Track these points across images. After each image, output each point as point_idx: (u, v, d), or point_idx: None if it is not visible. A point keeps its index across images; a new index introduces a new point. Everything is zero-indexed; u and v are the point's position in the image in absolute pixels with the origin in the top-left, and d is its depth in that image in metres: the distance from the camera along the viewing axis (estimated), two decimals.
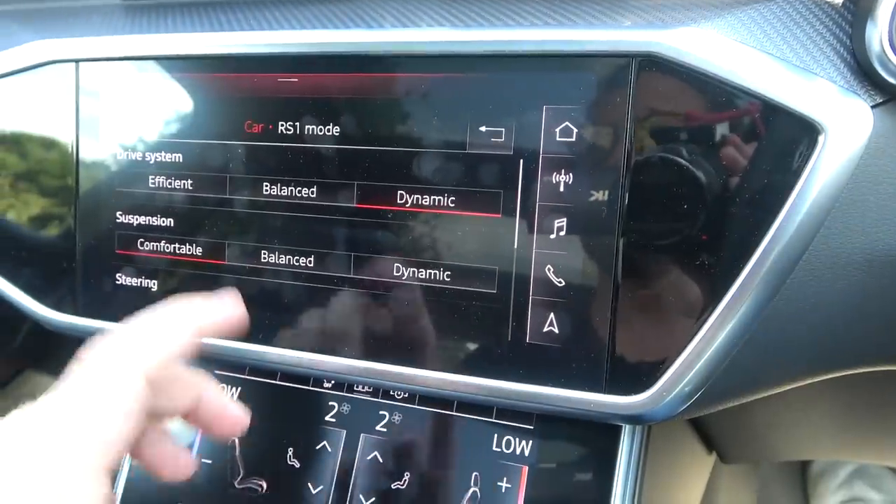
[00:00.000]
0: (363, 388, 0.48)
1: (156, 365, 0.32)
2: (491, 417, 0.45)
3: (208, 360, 0.53)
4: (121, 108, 0.47)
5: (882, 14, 0.33)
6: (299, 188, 0.42)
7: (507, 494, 0.44)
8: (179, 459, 0.35)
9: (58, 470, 0.27)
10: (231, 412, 0.37)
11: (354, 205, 0.41)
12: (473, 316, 0.40)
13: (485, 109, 0.38)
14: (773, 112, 0.34)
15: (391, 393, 0.47)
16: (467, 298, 0.40)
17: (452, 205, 0.39)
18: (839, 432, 0.65)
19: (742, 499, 0.96)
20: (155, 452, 0.35)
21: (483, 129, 0.38)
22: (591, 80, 0.36)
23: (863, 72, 0.35)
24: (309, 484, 0.47)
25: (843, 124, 0.33)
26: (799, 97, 0.33)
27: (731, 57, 0.34)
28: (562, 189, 0.37)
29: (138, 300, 0.47)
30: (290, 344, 0.44)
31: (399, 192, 0.40)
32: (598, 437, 0.43)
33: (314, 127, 0.42)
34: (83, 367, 0.31)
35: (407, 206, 0.40)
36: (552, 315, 0.38)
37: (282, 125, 0.42)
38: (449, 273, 0.40)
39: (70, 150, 0.48)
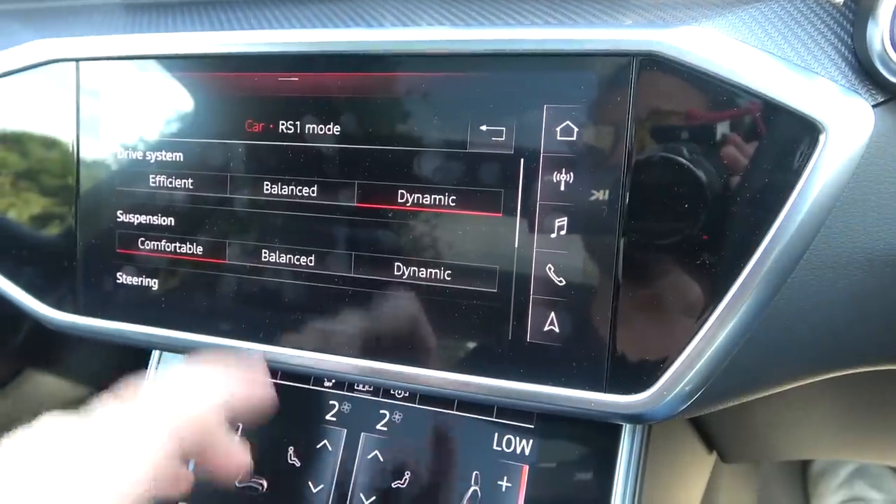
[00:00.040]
0: (364, 387, 0.48)
1: (187, 427, 0.35)
2: (491, 416, 0.45)
3: None
4: (121, 108, 0.47)
5: (883, 13, 0.33)
6: (300, 187, 0.42)
7: (508, 493, 0.44)
8: (180, 480, 0.37)
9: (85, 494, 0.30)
10: (236, 458, 0.38)
11: (355, 204, 0.41)
12: (474, 315, 0.40)
13: (485, 109, 0.38)
14: (774, 111, 0.34)
15: (392, 392, 0.47)
16: (468, 298, 0.40)
17: (453, 204, 0.39)
18: (840, 432, 0.65)
19: (742, 498, 0.96)
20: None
21: (484, 128, 0.38)
22: (591, 80, 0.36)
23: (864, 71, 0.34)
24: (309, 483, 0.47)
25: (845, 123, 0.33)
26: (800, 96, 0.33)
27: (731, 56, 0.34)
28: (562, 188, 0.37)
29: (139, 299, 0.47)
30: (290, 343, 0.44)
31: (400, 191, 0.40)
32: (599, 436, 0.43)
33: (315, 126, 0.42)
34: (121, 410, 0.34)
35: (407, 205, 0.40)
36: (553, 314, 0.38)
37: (282, 124, 0.42)
38: (450, 272, 0.40)
39: (71, 149, 0.48)
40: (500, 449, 0.45)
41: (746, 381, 0.38)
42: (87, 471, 0.31)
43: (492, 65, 0.38)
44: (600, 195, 0.37)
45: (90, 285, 0.48)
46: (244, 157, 0.43)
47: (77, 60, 0.48)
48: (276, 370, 0.49)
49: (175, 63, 0.45)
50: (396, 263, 0.41)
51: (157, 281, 0.47)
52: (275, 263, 0.43)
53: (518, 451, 0.44)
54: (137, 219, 0.47)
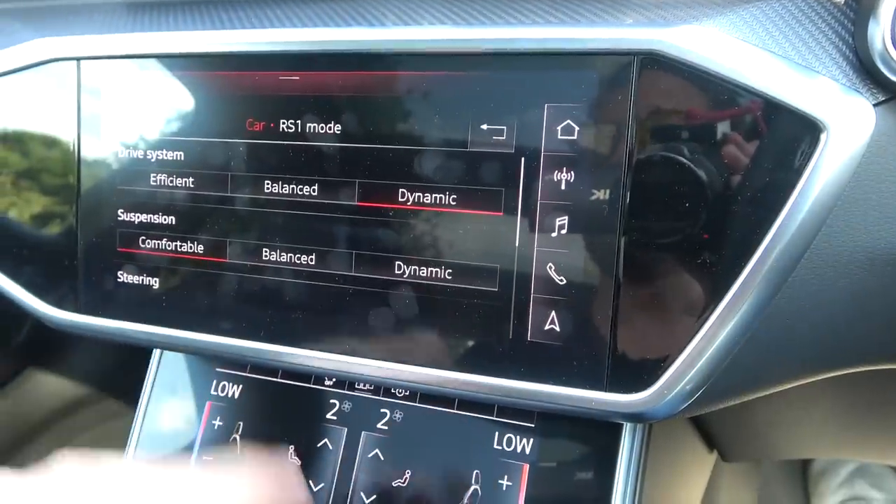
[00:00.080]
0: (364, 385, 0.48)
1: None
2: (492, 415, 0.45)
3: (210, 357, 0.53)
4: (122, 106, 0.47)
5: (884, 12, 0.33)
6: (301, 186, 0.42)
7: (508, 492, 0.44)
8: None
9: None
10: None
11: (356, 203, 0.41)
12: (475, 314, 0.40)
13: (486, 107, 0.38)
14: (775, 110, 0.34)
15: (392, 391, 0.47)
16: (469, 296, 0.40)
17: (454, 203, 0.39)
18: (841, 431, 0.65)
19: (743, 497, 0.96)
20: None
21: (484, 127, 0.38)
22: (592, 78, 0.36)
23: (865, 70, 0.34)
24: (310, 482, 0.47)
25: (846, 122, 0.33)
26: (801, 95, 0.33)
27: (733, 55, 0.34)
28: (563, 187, 0.37)
29: (140, 298, 0.47)
30: (291, 342, 0.44)
31: (400, 190, 0.40)
32: (599, 435, 0.43)
33: (316, 125, 0.42)
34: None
35: (408, 204, 0.40)
36: (553, 313, 0.38)
37: (283, 123, 0.42)
38: (450, 271, 0.40)
39: (72, 148, 0.48)
40: (500, 448, 0.45)
41: (747, 380, 0.38)
42: None
43: (493, 64, 0.38)
44: (601, 194, 0.37)
45: (91, 284, 0.48)
46: (245, 155, 0.43)
47: (78, 59, 0.48)
48: (276, 369, 0.49)
49: (176, 62, 0.45)
50: (397, 262, 0.41)
51: (157, 280, 0.47)
52: (276, 262, 0.43)
53: (518, 449, 0.44)
54: (138, 217, 0.47)
